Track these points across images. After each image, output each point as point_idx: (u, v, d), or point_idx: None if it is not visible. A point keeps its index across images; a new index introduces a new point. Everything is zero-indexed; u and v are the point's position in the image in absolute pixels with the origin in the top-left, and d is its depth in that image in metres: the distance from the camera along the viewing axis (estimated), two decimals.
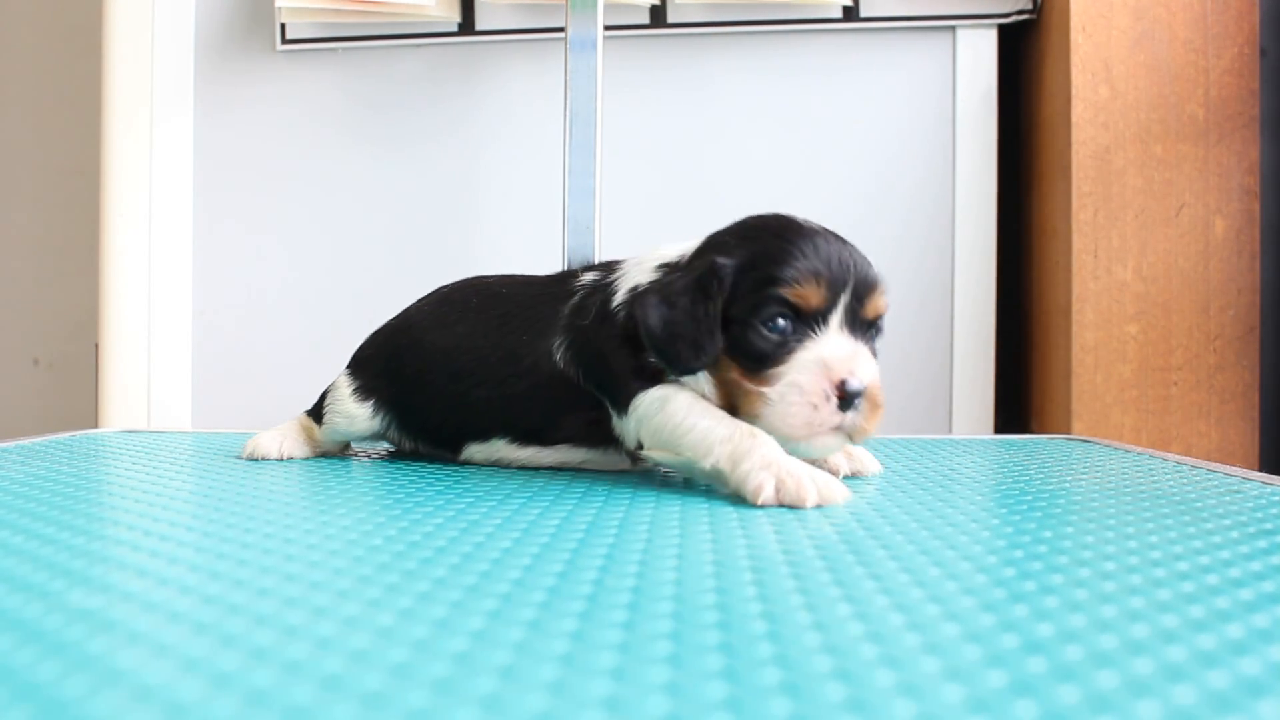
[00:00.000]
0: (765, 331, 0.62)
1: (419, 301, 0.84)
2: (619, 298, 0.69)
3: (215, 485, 0.67)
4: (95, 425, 1.35)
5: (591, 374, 0.70)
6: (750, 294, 0.62)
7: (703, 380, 0.66)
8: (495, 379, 0.74)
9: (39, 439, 0.95)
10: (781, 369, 0.62)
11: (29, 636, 0.32)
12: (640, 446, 0.67)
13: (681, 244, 0.72)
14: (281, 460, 0.81)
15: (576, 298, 0.73)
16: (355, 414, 0.81)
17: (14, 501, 0.58)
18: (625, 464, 0.74)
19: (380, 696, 0.27)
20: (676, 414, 0.64)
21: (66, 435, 1.00)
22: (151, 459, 0.82)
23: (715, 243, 0.67)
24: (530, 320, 0.74)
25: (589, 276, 0.75)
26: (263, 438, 0.84)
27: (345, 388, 0.82)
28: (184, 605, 0.36)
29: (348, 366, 0.84)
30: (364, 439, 0.84)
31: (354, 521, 0.53)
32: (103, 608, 0.36)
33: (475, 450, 0.77)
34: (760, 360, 0.62)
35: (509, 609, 0.36)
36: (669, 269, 0.68)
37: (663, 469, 0.75)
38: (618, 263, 0.75)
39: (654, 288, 0.66)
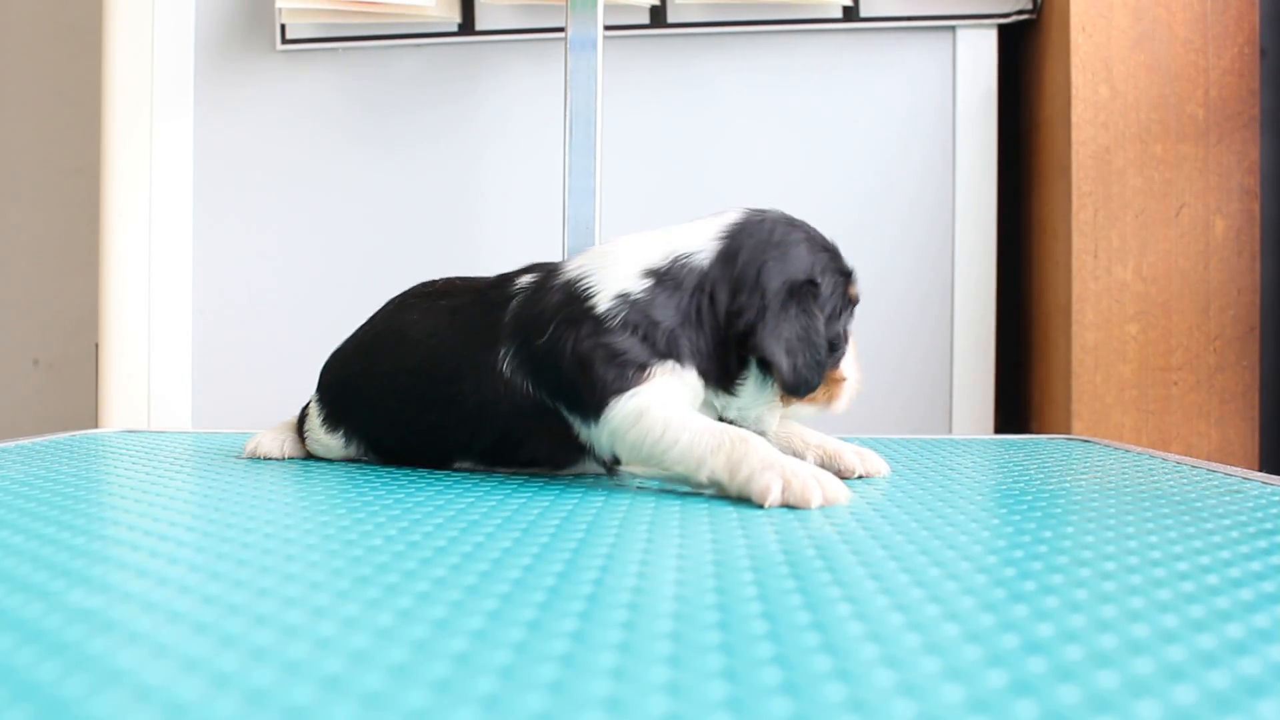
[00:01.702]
0: (841, 328, 0.71)
1: (369, 320, 0.81)
2: (603, 302, 0.65)
3: (215, 485, 0.67)
4: (95, 425, 1.35)
5: (548, 382, 0.66)
6: (831, 298, 0.70)
7: (686, 377, 0.65)
8: (442, 400, 0.70)
9: (39, 439, 0.95)
10: (846, 353, 0.73)
11: (29, 636, 0.32)
12: (616, 460, 0.66)
13: (660, 237, 0.69)
14: (282, 460, 0.81)
15: (515, 303, 0.69)
16: (329, 444, 0.79)
17: (14, 501, 0.58)
18: (601, 471, 0.70)
19: (380, 696, 0.27)
20: (655, 428, 0.62)
21: (66, 435, 1.00)
22: (151, 459, 0.82)
23: (764, 257, 0.67)
24: (467, 331, 0.70)
25: (526, 279, 0.71)
26: (264, 437, 0.83)
27: (316, 416, 0.80)
28: (184, 605, 0.36)
29: (316, 390, 0.81)
30: (339, 460, 0.80)
31: (354, 521, 0.53)
32: (103, 608, 0.36)
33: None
34: (842, 352, 0.72)
35: (509, 609, 0.36)
36: (658, 276, 0.66)
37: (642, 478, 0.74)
38: (555, 265, 0.72)
39: (772, 320, 0.65)
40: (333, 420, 0.79)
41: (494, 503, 0.59)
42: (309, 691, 0.27)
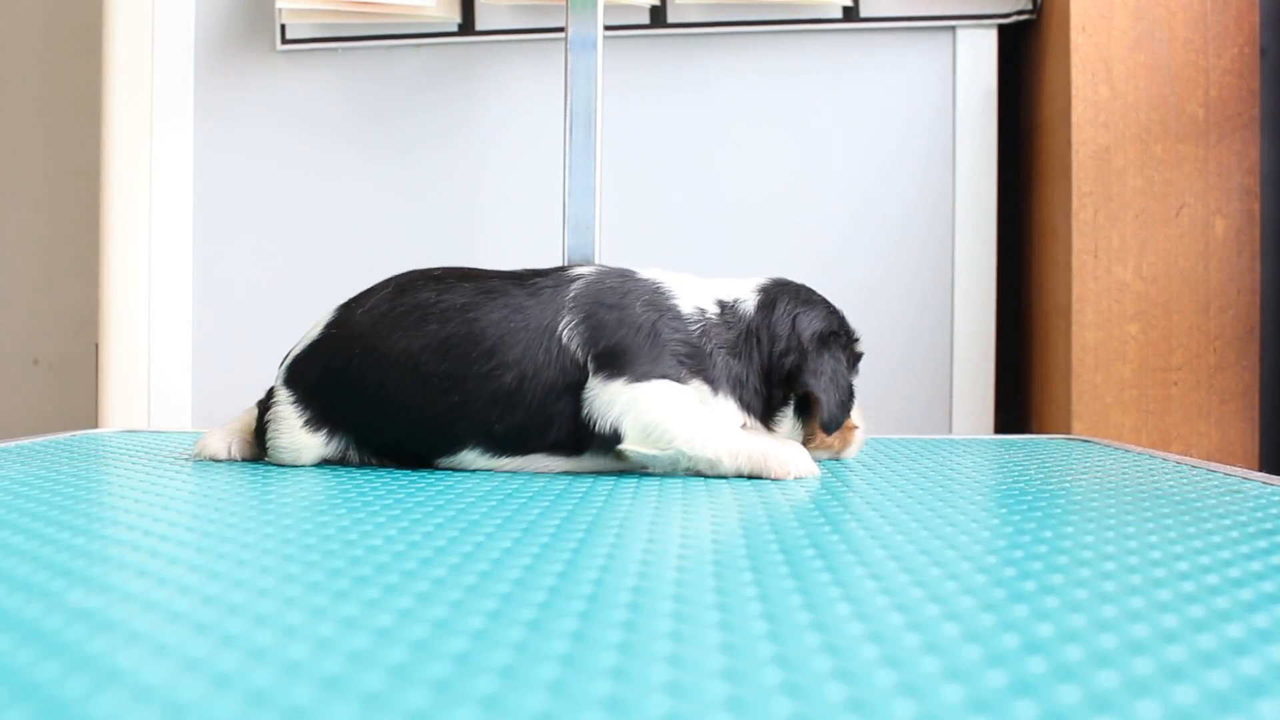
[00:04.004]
0: (854, 381, 0.79)
1: (361, 301, 0.77)
2: (686, 306, 0.74)
3: (215, 485, 0.67)
4: (95, 425, 1.35)
5: (600, 340, 0.71)
6: (845, 352, 0.78)
7: (718, 405, 0.74)
8: (473, 376, 0.70)
9: (39, 439, 0.95)
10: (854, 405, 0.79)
11: (29, 636, 0.32)
12: (615, 434, 0.70)
13: (723, 281, 0.79)
14: (233, 461, 0.77)
15: (582, 284, 0.74)
16: (306, 444, 0.74)
17: (14, 501, 0.58)
18: (603, 464, 0.73)
19: (380, 696, 0.27)
20: (669, 415, 0.70)
21: (66, 435, 1.00)
22: (151, 459, 0.82)
23: (795, 311, 0.77)
24: (516, 308, 0.72)
25: (586, 269, 0.76)
26: (210, 438, 0.79)
27: (295, 419, 0.74)
28: (184, 605, 0.36)
29: (288, 388, 0.75)
30: (312, 465, 0.75)
31: (353, 522, 0.53)
32: (103, 608, 0.36)
33: (443, 465, 0.74)
34: (852, 403, 0.78)
35: (509, 609, 0.36)
36: (724, 308, 0.76)
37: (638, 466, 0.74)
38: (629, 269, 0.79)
39: (812, 362, 0.75)
40: (319, 420, 0.74)
41: (494, 503, 0.59)
42: (309, 691, 0.27)
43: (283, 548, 0.46)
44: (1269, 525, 0.53)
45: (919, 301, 1.28)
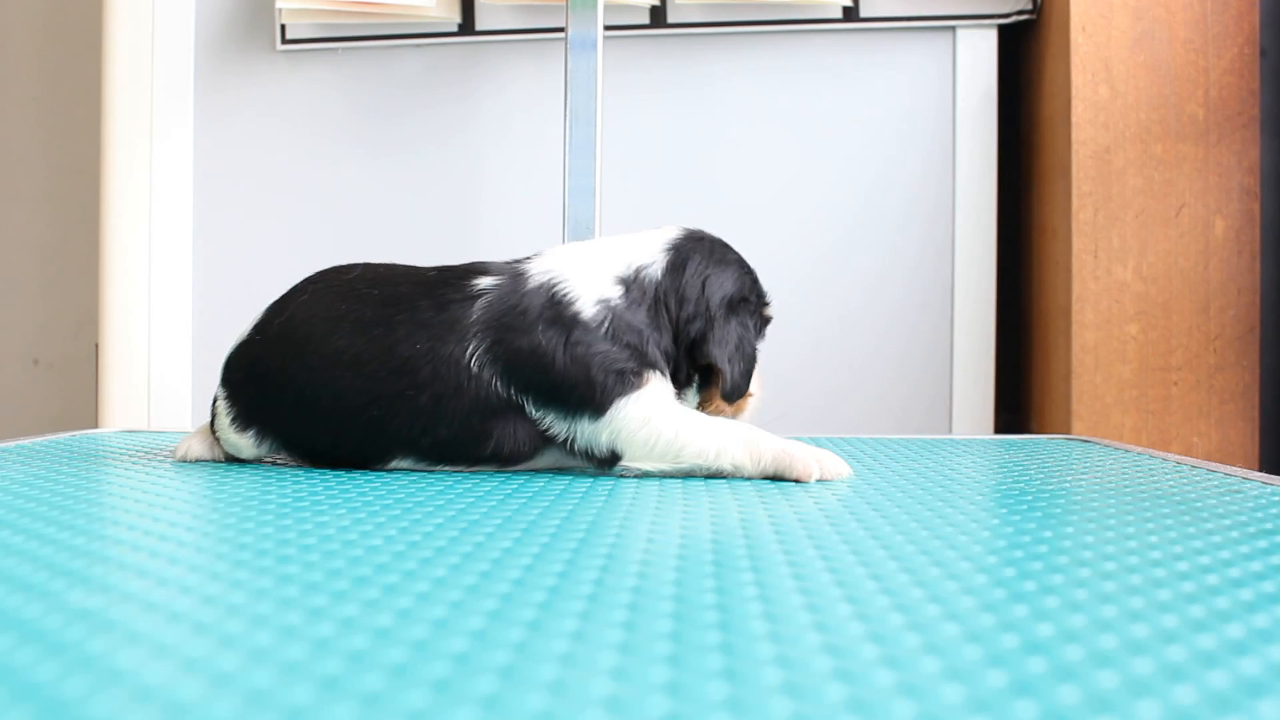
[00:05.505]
0: (758, 345, 0.76)
1: (281, 309, 0.75)
2: (587, 307, 0.69)
3: (215, 485, 0.67)
4: (95, 425, 1.35)
5: (523, 379, 0.68)
6: (755, 317, 0.76)
7: (668, 383, 0.72)
8: (388, 394, 0.69)
9: (39, 439, 0.95)
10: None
11: (29, 636, 0.32)
12: (614, 455, 0.70)
13: (613, 247, 0.74)
14: (218, 462, 0.78)
15: (484, 301, 0.70)
16: (239, 444, 0.75)
17: (14, 501, 0.58)
18: (565, 463, 0.72)
19: (380, 696, 0.27)
20: (666, 429, 0.69)
21: (66, 435, 1.00)
22: (151, 459, 0.82)
23: (706, 272, 0.73)
24: (420, 325, 0.70)
25: (488, 280, 0.71)
26: (193, 440, 0.80)
27: (225, 415, 0.75)
28: (184, 605, 0.36)
29: (222, 385, 0.76)
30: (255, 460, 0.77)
31: (353, 522, 0.53)
32: (103, 608, 0.36)
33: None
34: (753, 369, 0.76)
35: (509, 609, 0.36)
36: (627, 285, 0.72)
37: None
38: (513, 265, 0.73)
39: (718, 330, 0.72)
40: (244, 420, 0.74)
41: (494, 503, 0.59)
42: (309, 691, 0.27)
43: (282, 548, 0.46)
44: (1269, 525, 0.53)
45: (919, 301, 1.28)
